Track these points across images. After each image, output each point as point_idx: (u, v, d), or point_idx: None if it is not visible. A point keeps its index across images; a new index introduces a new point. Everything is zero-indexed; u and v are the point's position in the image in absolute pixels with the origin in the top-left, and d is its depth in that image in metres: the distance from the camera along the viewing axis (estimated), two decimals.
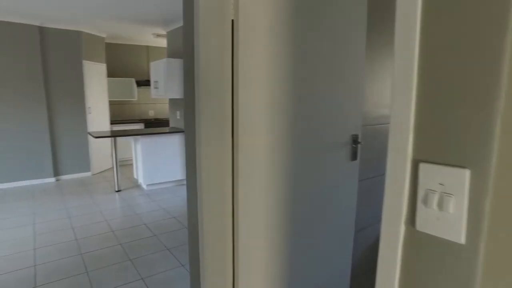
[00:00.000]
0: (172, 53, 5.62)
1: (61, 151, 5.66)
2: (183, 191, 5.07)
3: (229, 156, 1.49)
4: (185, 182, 5.30)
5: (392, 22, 2.06)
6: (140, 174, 5.17)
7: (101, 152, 6.19)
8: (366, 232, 2.27)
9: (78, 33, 5.59)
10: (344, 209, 1.99)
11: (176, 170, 5.30)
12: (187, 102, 1.64)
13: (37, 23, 5.20)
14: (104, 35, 6.17)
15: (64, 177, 5.74)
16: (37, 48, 5.22)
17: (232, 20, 1.38)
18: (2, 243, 3.35)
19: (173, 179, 5.31)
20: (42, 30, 5.28)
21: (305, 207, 1.77)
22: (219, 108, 1.42)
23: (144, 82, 6.98)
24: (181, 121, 5.52)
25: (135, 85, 6.94)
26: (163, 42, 6.79)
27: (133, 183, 5.50)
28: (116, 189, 5.03)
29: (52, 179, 5.58)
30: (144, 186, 5.14)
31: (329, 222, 1.92)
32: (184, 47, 1.60)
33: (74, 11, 4.60)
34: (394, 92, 0.64)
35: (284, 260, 1.76)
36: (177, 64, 5.13)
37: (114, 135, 4.82)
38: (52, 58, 5.41)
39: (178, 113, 5.59)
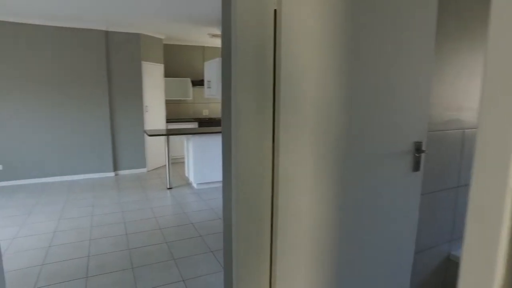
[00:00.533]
0: None
1: (120, 147, 5.97)
2: None
3: (268, 157, 1.35)
4: None
5: (466, 18, 1.75)
6: (191, 172, 5.24)
7: (156, 149, 6.43)
8: (426, 254, 1.97)
9: (138, 36, 5.86)
10: (403, 226, 1.73)
11: None
12: (225, 100, 1.52)
13: (103, 28, 5.53)
14: (162, 37, 6.40)
15: (122, 172, 6.06)
16: (102, 51, 5.57)
17: (275, 10, 1.22)
18: (64, 231, 3.57)
19: None
20: (107, 34, 5.61)
21: (356, 220, 1.56)
22: (259, 107, 1.28)
23: (199, 82, 7.12)
24: None
25: (190, 85, 7.11)
26: (218, 42, 6.86)
27: (184, 181, 5.60)
28: (168, 187, 5.16)
29: (112, 174, 5.92)
30: (195, 185, 5.21)
31: (384, 240, 1.67)
32: (223, 42, 1.48)
33: (135, 15, 4.80)
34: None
35: (329, 278, 1.56)
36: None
37: (166, 133, 4.94)
38: (114, 59, 5.73)
39: None
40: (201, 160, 5.07)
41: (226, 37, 1.42)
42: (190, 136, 5.06)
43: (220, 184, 5.31)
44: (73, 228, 3.67)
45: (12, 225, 3.76)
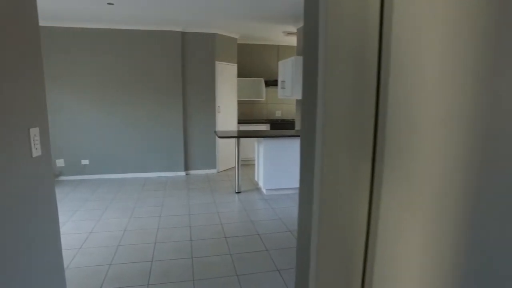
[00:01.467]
0: (301, 51, 5.25)
1: (192, 148, 6.00)
2: None
3: (365, 185, 0.94)
4: None
5: None
6: (261, 177, 4.98)
7: (227, 150, 6.34)
8: None
9: (213, 36, 5.80)
10: None
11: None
12: (307, 105, 1.15)
13: (179, 29, 5.59)
14: (236, 36, 6.28)
15: (193, 172, 6.08)
16: (178, 52, 5.64)
17: None
18: (132, 231, 3.57)
19: (295, 186, 4.93)
20: (183, 35, 5.67)
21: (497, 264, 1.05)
22: (354, 118, 0.89)
23: (272, 82, 6.86)
24: None
25: (263, 85, 6.89)
26: (293, 41, 6.51)
27: (253, 186, 5.37)
28: (236, 191, 4.97)
29: (183, 173, 5.97)
30: (264, 190, 4.93)
31: None
32: (305, 40, 1.12)
33: (211, 14, 4.71)
34: None
35: None
36: None
37: (236, 135, 4.75)
38: (189, 60, 5.76)
39: None
40: (272, 165, 4.76)
41: (309, 34, 1.05)
42: (261, 139, 4.80)
43: (291, 192, 4.95)
44: (141, 228, 3.65)
45: (91, 219, 3.90)
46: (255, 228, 3.68)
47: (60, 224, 3.78)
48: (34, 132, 1.46)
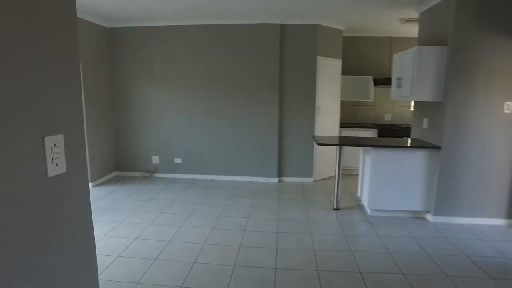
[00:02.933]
0: (425, 40, 4.18)
1: (287, 152, 5.44)
2: (413, 228, 3.62)
3: None
4: (425, 216, 3.89)
5: None
6: (365, 193, 4.12)
7: (325, 157, 5.59)
8: None
9: (315, 28, 5.12)
10: None
11: (414, 198, 3.89)
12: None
13: (278, 21, 5.09)
14: (342, 28, 5.47)
15: (286, 179, 5.51)
16: (276, 47, 5.13)
17: None
18: (212, 246, 3.18)
19: (409, 209, 3.94)
20: (282, 27, 5.14)
21: None
22: None
23: (382, 81, 5.83)
24: (429, 132, 4.02)
25: (371, 84, 5.91)
26: (410, 31, 5.38)
27: (355, 202, 4.52)
28: (335, 207, 4.21)
29: (275, 180, 5.46)
30: (368, 210, 4.06)
31: None
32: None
33: (315, 1, 4.07)
34: None
35: None
36: (433, 54, 3.67)
37: (338, 143, 3.99)
38: (288, 55, 5.20)
39: (425, 121, 4.11)
40: (381, 181, 3.87)
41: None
42: (369, 148, 3.94)
43: (403, 215, 3.96)
44: (222, 243, 3.23)
45: (173, 224, 3.67)
46: (356, 262, 2.90)
47: (143, 227, 3.64)
48: (54, 141, 1.03)
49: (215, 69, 5.28)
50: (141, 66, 5.42)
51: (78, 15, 4.63)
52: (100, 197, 4.62)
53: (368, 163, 3.98)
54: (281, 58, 5.19)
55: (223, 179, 5.54)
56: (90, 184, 5.06)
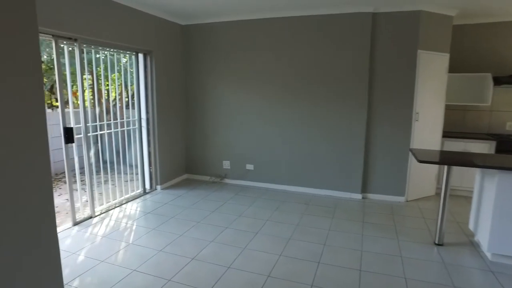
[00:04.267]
0: None
1: (374, 164, 4.59)
2: None
3: None
4: None
5: None
6: (483, 229, 3.12)
7: (422, 172, 4.58)
8: None
9: (417, 14, 4.18)
10: None
11: None
12: None
13: (370, 10, 4.28)
14: (452, 13, 4.39)
15: (372, 196, 4.66)
16: (366, 40, 4.33)
17: None
18: (276, 281, 2.62)
19: None
20: (375, 17, 4.31)
21: None
22: None
23: (507, 79, 4.57)
24: None
25: (491, 83, 4.68)
26: None
27: (464, 236, 3.51)
28: (436, 241, 3.29)
29: (358, 196, 4.66)
30: (488, 254, 3.05)
31: None
32: None
33: None
34: None
35: None
36: None
37: (448, 161, 3.07)
38: (380, 50, 4.35)
39: None
40: (508, 215, 2.84)
41: None
42: (493, 170, 2.94)
43: None
44: (289, 279, 2.64)
45: (236, 245, 3.21)
46: None
47: (202, 245, 3.13)
48: None
49: (293, 68, 4.70)
50: (216, 65, 5.12)
51: (153, 13, 4.49)
52: (166, 201, 4.43)
53: (490, 190, 2.98)
54: (371, 54, 4.37)
55: (297, 191, 4.94)
56: (158, 187, 4.94)
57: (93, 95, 4.25)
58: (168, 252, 3.05)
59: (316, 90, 4.63)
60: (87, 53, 4.00)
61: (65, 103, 3.46)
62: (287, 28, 4.64)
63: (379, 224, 3.76)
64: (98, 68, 4.28)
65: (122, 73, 4.76)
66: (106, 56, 4.13)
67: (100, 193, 4.57)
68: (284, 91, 4.79)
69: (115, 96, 5.16)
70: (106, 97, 5.46)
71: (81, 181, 4.87)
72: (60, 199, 4.68)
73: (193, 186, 5.17)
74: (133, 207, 4.22)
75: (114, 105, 5.19)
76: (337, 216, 4.00)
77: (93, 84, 4.07)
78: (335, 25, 4.43)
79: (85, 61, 3.87)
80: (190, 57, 5.26)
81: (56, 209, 4.49)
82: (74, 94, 5.83)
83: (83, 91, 3.64)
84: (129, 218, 3.86)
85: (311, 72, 4.62)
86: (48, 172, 1.36)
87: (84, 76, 3.69)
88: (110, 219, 3.81)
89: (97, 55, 4.06)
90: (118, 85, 4.82)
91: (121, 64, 4.62)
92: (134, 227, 3.61)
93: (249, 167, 5.18)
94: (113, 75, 4.47)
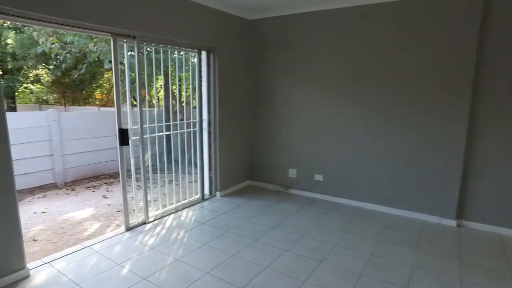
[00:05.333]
0: None
1: (478, 184, 3.62)
2: None
3: None
4: None
5: None
6: None
7: None
8: None
9: None
10: None
11: None
12: None
13: None
14: None
15: (472, 225, 3.70)
16: (473, 29, 3.41)
17: None
18: None
19: None
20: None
21: None
22: None
23: None
24: None
25: None
26: None
27: None
28: None
29: (452, 222, 3.73)
30: None
31: None
32: None
33: None
34: None
35: None
36: None
37: None
38: (493, 42, 3.39)
39: None
40: None
41: None
42: None
43: None
44: None
45: (296, 275, 2.68)
46: None
47: (256, 270, 2.90)
48: None
49: (374, 66, 3.97)
50: (286, 63, 4.63)
51: (217, 7, 4.18)
52: (225, 211, 4.08)
53: None
54: (479, 48, 3.42)
55: (372, 209, 4.19)
56: (218, 194, 4.63)
57: (165, 95, 4.10)
58: (215, 276, 2.65)
59: (401, 94, 3.83)
60: (156, 52, 3.86)
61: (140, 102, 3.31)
62: (369, 18, 3.93)
63: (486, 268, 2.86)
64: (164, 68, 4.11)
65: (183, 71, 4.57)
66: (166, 54, 3.95)
67: (156, 198, 4.44)
68: (364, 95, 4.09)
69: (183, 96, 5.02)
70: (173, 97, 5.37)
71: (137, 183, 4.81)
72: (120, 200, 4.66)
73: (254, 194, 4.76)
74: (188, 215, 3.96)
75: (182, 106, 5.05)
76: (423, 247, 3.19)
77: (150, 83, 3.91)
78: (430, 11, 3.58)
79: (144, 60, 3.74)
80: (256, 54, 4.86)
81: (116, 212, 4.48)
82: (143, 94, 5.89)
83: (146, 91, 3.47)
84: (182, 228, 3.58)
85: (397, 71, 3.84)
86: None
87: (158, 77, 3.53)
88: (162, 227, 3.59)
89: (158, 54, 3.89)
90: (187, 84, 4.64)
91: (190, 63, 4.41)
92: (185, 239, 3.31)
93: (318, 177, 4.58)
94: (181, 74, 4.30)
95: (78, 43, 5.45)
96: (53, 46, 5.58)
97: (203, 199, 4.49)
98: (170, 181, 5.10)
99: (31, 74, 9.94)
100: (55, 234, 3.93)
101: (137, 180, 4.06)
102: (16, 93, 10.21)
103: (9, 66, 8.42)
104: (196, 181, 4.53)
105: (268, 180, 5.07)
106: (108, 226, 4.09)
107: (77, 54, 6.27)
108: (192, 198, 4.43)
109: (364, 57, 4.01)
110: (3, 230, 2.48)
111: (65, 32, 5.32)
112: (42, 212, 4.80)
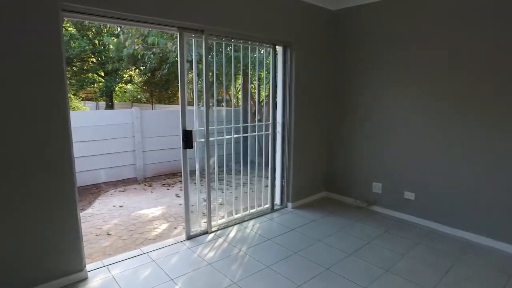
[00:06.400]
0: None
1: None
2: None
3: None
4: None
5: None
6: None
7: None
8: None
9: None
10: None
11: None
12: None
13: None
14: None
15: None
16: None
17: None
18: None
19: None
20: None
21: None
22: None
23: None
24: None
25: None
26: None
27: None
28: None
29: None
30: None
31: None
32: None
33: None
34: None
35: None
36: None
37: None
38: None
39: None
40: None
41: None
42: None
43: None
44: None
45: None
46: None
47: None
48: None
49: (482, 62, 3.06)
50: (373, 61, 3.95)
51: None
52: (295, 226, 3.60)
53: None
54: None
55: (486, 244, 3.24)
56: (289, 205, 4.17)
57: (243, 95, 3.83)
58: None
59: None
60: (235, 50, 3.58)
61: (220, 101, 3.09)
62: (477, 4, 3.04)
63: None
64: (239, 65, 3.81)
65: (263, 69, 4.20)
66: (246, 51, 3.63)
67: (222, 203, 4.17)
68: (470, 95, 3.20)
69: (263, 96, 4.68)
70: (251, 98, 5.08)
71: (201, 185, 4.61)
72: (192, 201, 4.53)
73: (331, 209, 4.17)
74: (254, 228, 3.58)
75: (261, 106, 4.72)
76: None
77: (225, 81, 3.62)
78: None
79: (223, 58, 3.46)
80: (339, 50, 4.26)
81: (180, 216, 4.34)
82: (221, 93, 5.72)
83: (224, 90, 3.20)
84: (246, 243, 3.21)
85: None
86: None
87: (238, 76, 3.25)
88: (224, 239, 3.27)
89: (237, 52, 3.59)
90: (265, 84, 4.28)
91: (270, 60, 4.03)
92: (247, 258, 2.93)
93: (409, 195, 3.79)
94: (261, 72, 3.96)
95: (159, 43, 5.54)
96: (137, 47, 5.78)
97: (272, 209, 4.08)
98: (238, 185, 4.82)
99: (125, 75, 10.81)
100: (127, 231, 3.99)
101: (203, 184, 3.84)
102: (113, 93, 11.23)
103: (110, 68, 9.21)
104: (266, 186, 4.14)
105: (347, 193, 4.42)
106: (175, 228, 4.02)
107: (160, 55, 6.44)
108: (261, 207, 4.05)
109: (493, 49, 3.11)
110: (62, 230, 2.42)
111: (133, 29, 5.40)
112: (120, 206, 4.97)
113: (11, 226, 2.21)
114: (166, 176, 6.69)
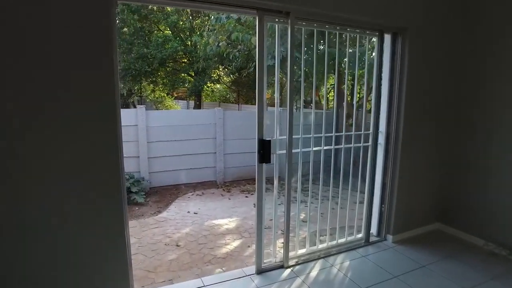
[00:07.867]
0: None
1: None
2: None
3: None
4: None
5: None
6: None
7: None
8: None
9: None
10: None
11: None
12: None
13: None
14: None
15: None
16: None
17: None
18: None
19: None
20: None
21: None
22: None
23: None
24: None
25: None
26: None
27: None
28: None
29: None
30: None
31: None
32: None
33: None
34: None
35: None
36: None
37: None
38: None
39: None
40: None
41: None
42: None
43: None
44: None
45: None
46: None
47: None
48: None
49: None
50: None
51: None
52: (399, 272, 2.70)
53: None
54: None
55: None
56: (389, 238, 3.25)
57: (337, 96, 3.12)
58: None
59: None
60: (329, 45, 2.88)
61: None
62: None
63: None
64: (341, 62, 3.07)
65: (355, 63, 3.37)
66: (342, 46, 2.87)
67: (304, 221, 3.44)
68: None
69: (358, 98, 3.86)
70: (347, 99, 4.28)
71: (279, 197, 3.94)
72: (270, 215, 3.94)
73: (449, 250, 3.11)
74: (342, 267, 2.79)
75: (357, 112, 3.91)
76: None
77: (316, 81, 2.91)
78: None
79: (314, 54, 2.78)
80: (471, 41, 3.16)
81: (263, 229, 3.78)
82: (310, 93, 5.05)
83: (313, 90, 2.53)
84: None
85: None
86: None
87: (330, 75, 2.58)
88: (303, 281, 2.56)
89: (331, 48, 2.86)
90: (361, 84, 3.46)
91: (373, 54, 3.22)
92: None
93: None
94: (359, 70, 3.15)
95: (243, 39, 5.10)
96: (220, 44, 5.46)
97: (367, 241, 3.21)
98: (325, 212, 4.01)
99: (214, 75, 10.85)
100: (196, 244, 3.71)
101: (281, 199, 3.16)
102: (202, 92, 11.40)
103: (198, 68, 9.29)
104: (361, 216, 3.28)
105: (472, 228, 3.29)
106: (248, 246, 3.62)
107: (246, 53, 6.04)
108: (353, 237, 3.22)
109: None
110: (107, 253, 2.03)
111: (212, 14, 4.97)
112: (194, 213, 4.71)
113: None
114: (246, 182, 6.29)
